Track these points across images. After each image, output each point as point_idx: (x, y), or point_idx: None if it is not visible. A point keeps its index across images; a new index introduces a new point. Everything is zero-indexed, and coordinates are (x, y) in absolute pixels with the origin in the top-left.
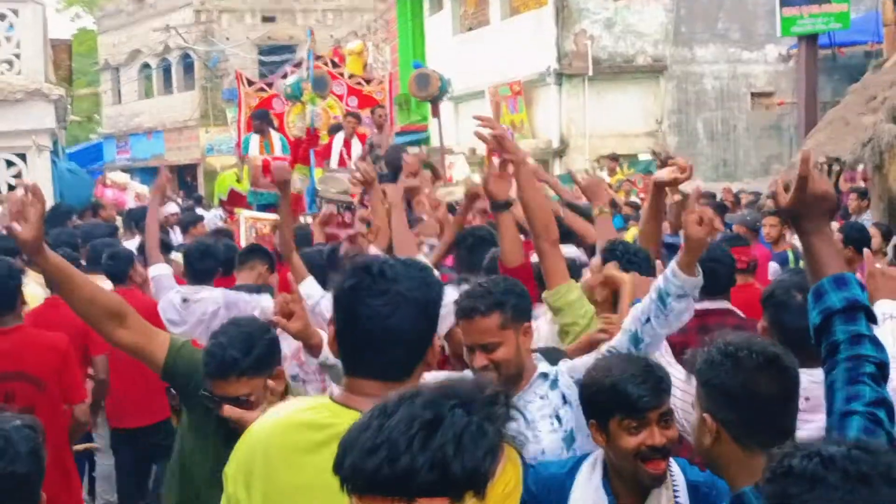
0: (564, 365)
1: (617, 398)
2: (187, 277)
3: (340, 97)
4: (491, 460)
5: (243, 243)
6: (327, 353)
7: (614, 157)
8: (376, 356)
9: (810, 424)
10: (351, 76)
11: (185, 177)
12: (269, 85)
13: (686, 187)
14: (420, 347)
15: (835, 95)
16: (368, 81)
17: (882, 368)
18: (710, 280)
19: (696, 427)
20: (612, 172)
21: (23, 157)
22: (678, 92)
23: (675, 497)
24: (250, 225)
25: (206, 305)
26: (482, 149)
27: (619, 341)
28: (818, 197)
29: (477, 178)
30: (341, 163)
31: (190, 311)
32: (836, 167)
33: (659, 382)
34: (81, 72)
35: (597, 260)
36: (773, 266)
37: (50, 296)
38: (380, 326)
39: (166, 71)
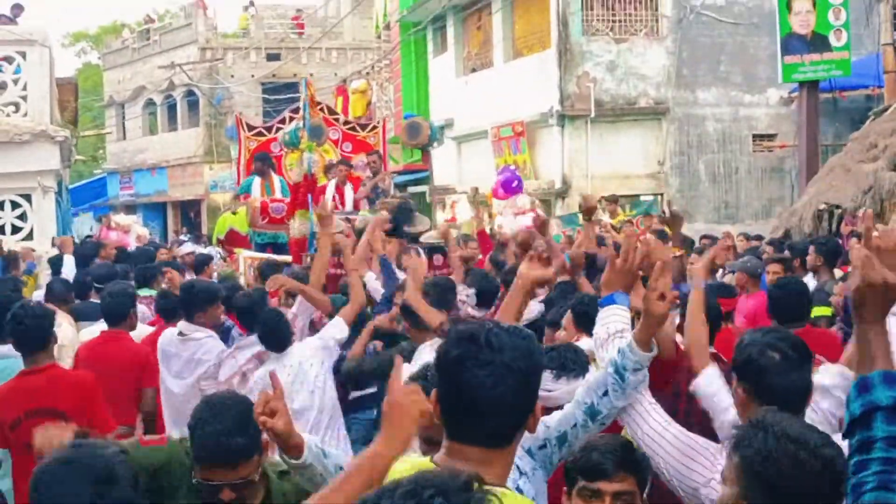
0: None
1: (580, 462)
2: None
3: (336, 142)
4: None
5: (242, 281)
6: (306, 455)
7: (614, 199)
8: (479, 424)
9: None
10: (346, 122)
11: (188, 213)
12: (268, 129)
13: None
14: (522, 415)
15: (836, 139)
16: (363, 127)
17: None
18: None
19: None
20: (612, 214)
21: (28, 197)
22: (680, 134)
23: None
24: (249, 264)
25: (196, 347)
26: (485, 188)
27: (570, 415)
28: (889, 287)
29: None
30: (334, 208)
31: (183, 347)
32: (837, 213)
33: (626, 460)
34: (86, 107)
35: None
36: None
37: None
38: (484, 396)
39: (171, 108)
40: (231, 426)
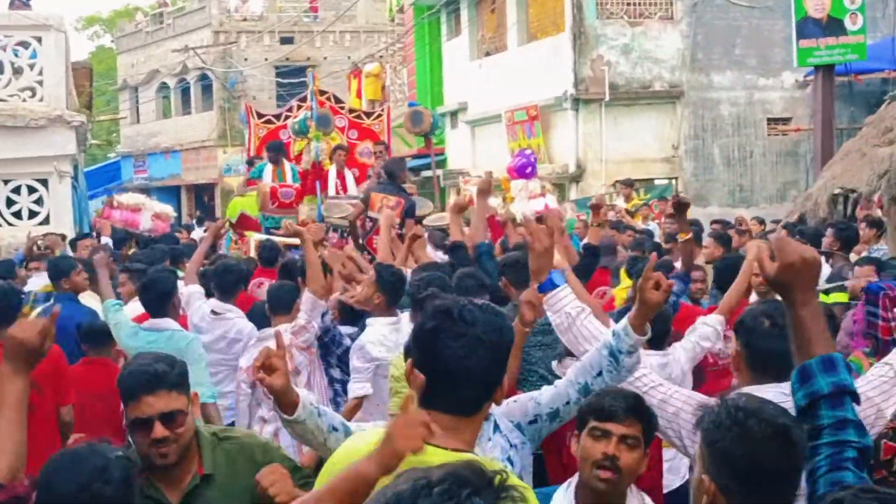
0: (498, 409)
1: (593, 404)
2: (216, 293)
3: (342, 129)
4: None
5: None
6: (302, 406)
7: (629, 183)
8: (451, 393)
9: None
10: (351, 110)
11: (202, 197)
12: (277, 117)
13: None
14: (490, 386)
15: (851, 122)
16: (368, 115)
17: (864, 453)
18: None
19: (694, 486)
20: (627, 198)
21: (44, 182)
22: (694, 118)
23: None
24: (258, 246)
25: (229, 326)
26: (498, 172)
27: (562, 393)
28: (805, 263)
29: (493, 203)
30: (336, 192)
31: (216, 324)
32: (852, 197)
33: (636, 407)
34: (100, 91)
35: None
36: None
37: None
38: (456, 366)
39: (184, 91)
40: (155, 358)
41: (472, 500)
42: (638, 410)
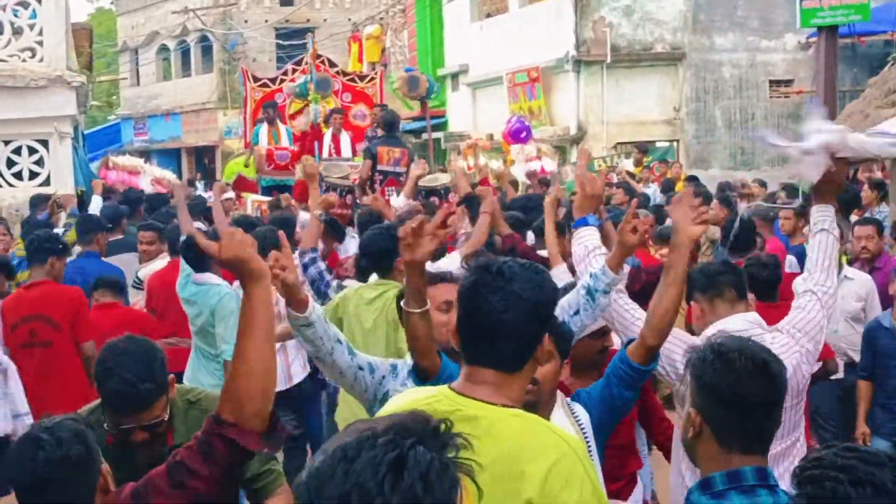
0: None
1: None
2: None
3: (336, 93)
4: (455, 493)
5: None
6: (312, 308)
7: (644, 149)
8: (491, 347)
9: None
10: (345, 74)
11: (202, 159)
12: (273, 80)
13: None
14: (531, 343)
15: (854, 84)
16: (362, 78)
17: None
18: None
19: (683, 419)
20: (638, 163)
21: (45, 143)
22: (696, 80)
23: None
24: (255, 207)
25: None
26: (499, 134)
27: None
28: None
29: (494, 165)
30: (330, 155)
31: None
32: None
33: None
34: (99, 53)
35: None
36: (790, 259)
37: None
38: (495, 320)
39: (184, 53)
40: (138, 373)
41: (415, 448)
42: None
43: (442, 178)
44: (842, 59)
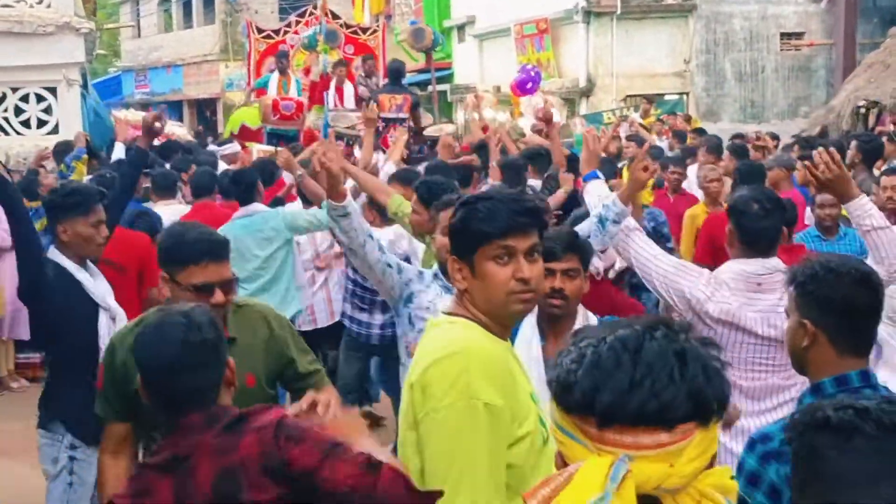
0: None
1: None
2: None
3: (340, 45)
4: (728, 386)
5: None
6: (348, 203)
7: (650, 100)
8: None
9: (760, 304)
10: (348, 26)
11: (204, 112)
12: (276, 32)
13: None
14: None
15: (868, 38)
16: (364, 30)
17: None
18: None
19: (792, 331)
20: (645, 114)
21: (53, 91)
22: (707, 32)
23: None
24: (261, 157)
25: None
26: (507, 86)
27: None
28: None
29: (501, 118)
30: (334, 106)
31: None
32: (873, 110)
33: (571, 243)
34: (101, 4)
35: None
36: (810, 212)
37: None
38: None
39: (186, 5)
40: (207, 228)
41: (690, 342)
42: (573, 246)
43: (447, 129)
44: (859, 12)
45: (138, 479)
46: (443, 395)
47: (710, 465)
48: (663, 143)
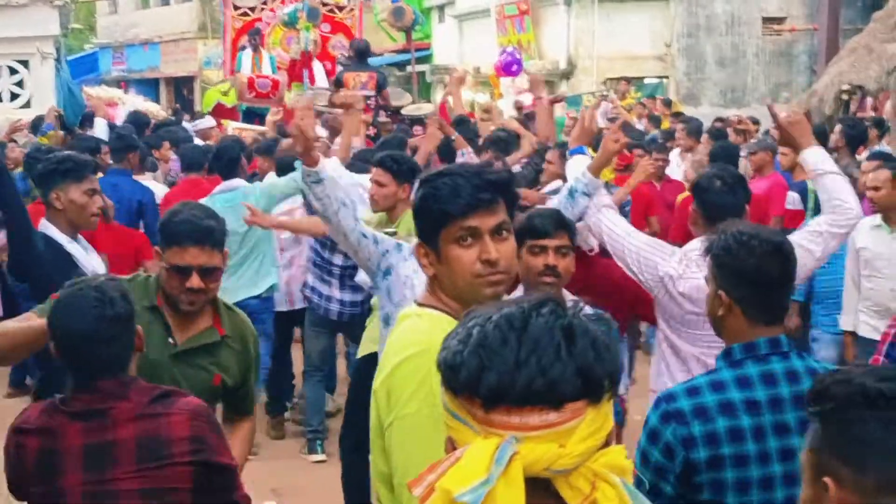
0: None
1: (526, 225)
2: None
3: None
4: (618, 361)
5: None
6: (323, 165)
7: (627, 80)
8: None
9: None
10: (324, 4)
11: (181, 90)
12: (252, 9)
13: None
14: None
15: (854, 22)
16: (341, 9)
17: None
18: None
19: (710, 300)
20: (623, 96)
21: (25, 63)
22: (688, 15)
23: None
24: (236, 134)
25: None
26: (486, 67)
27: None
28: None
29: (481, 99)
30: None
31: None
32: (855, 96)
33: (561, 221)
34: None
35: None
36: (791, 196)
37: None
38: None
39: None
40: (205, 212)
41: (579, 318)
42: (563, 223)
43: (425, 108)
44: None
45: (47, 417)
46: (407, 401)
47: (607, 443)
48: (641, 126)
